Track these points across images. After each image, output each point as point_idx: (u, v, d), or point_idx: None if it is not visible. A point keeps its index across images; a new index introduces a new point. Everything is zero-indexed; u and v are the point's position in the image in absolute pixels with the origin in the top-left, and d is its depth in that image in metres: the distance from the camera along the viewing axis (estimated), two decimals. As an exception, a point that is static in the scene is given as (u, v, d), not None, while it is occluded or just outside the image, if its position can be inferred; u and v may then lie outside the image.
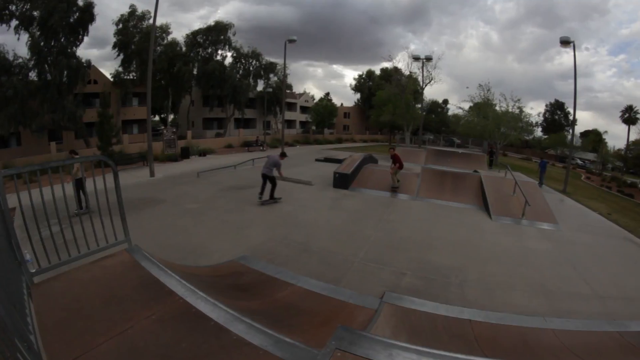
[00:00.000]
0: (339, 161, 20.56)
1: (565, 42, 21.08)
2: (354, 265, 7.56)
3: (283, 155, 13.36)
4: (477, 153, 29.20)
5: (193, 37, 46.72)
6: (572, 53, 21.21)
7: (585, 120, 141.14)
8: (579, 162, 51.36)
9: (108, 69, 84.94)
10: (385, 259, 7.93)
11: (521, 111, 35.65)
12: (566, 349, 4.61)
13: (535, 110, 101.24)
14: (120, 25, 40.82)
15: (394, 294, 5.95)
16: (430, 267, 7.60)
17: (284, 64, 35.13)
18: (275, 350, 2.93)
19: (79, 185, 10.08)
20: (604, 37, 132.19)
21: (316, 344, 3.03)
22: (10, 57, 30.98)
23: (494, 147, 33.63)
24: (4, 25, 30.55)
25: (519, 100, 35.84)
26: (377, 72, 65.59)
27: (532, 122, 37.18)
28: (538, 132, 54.51)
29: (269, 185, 12.72)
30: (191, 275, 4.82)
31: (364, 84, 67.62)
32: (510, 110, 35.69)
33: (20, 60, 31.44)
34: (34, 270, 4.16)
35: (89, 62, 35.58)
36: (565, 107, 65.49)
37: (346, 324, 2.92)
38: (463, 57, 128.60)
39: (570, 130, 30.98)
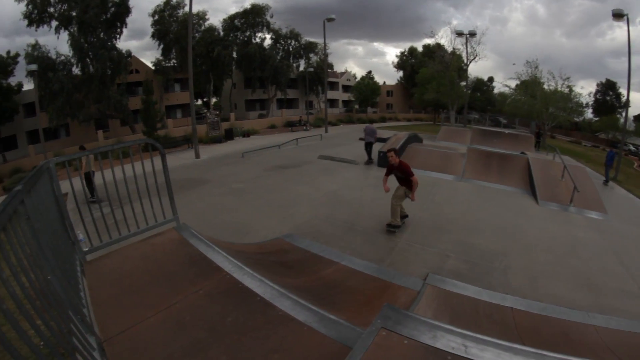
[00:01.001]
0: (383, 140, 20.37)
1: (618, 15, 19.69)
2: (397, 245, 7.49)
3: (372, 122, 15.43)
4: (525, 134, 28.11)
5: (230, 22, 47.10)
6: (626, 27, 19.94)
7: (639, 102, 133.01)
8: (632, 148, 48.36)
9: (148, 58, 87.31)
10: (429, 240, 7.82)
11: (571, 90, 33.82)
12: (607, 348, 4.41)
13: (585, 89, 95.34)
14: (156, 16, 41.87)
15: (437, 276, 5.88)
16: (474, 251, 7.42)
17: (324, 43, 35.22)
18: (320, 327, 2.95)
19: (88, 178, 10.47)
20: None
21: (360, 322, 3.04)
22: (53, 56, 32.65)
23: (541, 129, 32.35)
24: (45, 26, 32.46)
25: (568, 78, 33.95)
26: (420, 48, 63.79)
27: (582, 102, 35.05)
28: (588, 113, 51.63)
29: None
30: (238, 252, 4.91)
31: (406, 62, 65.85)
32: (559, 89, 33.96)
33: (63, 57, 33.10)
34: (86, 249, 4.38)
35: (129, 52, 36.79)
36: (618, 87, 61.48)
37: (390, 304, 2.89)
38: (508, 32, 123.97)
39: (623, 113, 29.44)
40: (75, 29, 32.29)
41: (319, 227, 8.35)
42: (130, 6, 34.65)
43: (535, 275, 6.62)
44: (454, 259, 6.97)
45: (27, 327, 1.73)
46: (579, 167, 15.85)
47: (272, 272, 4.52)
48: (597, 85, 65.06)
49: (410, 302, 4.65)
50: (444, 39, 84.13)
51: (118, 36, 35.07)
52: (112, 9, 33.61)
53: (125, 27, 35.24)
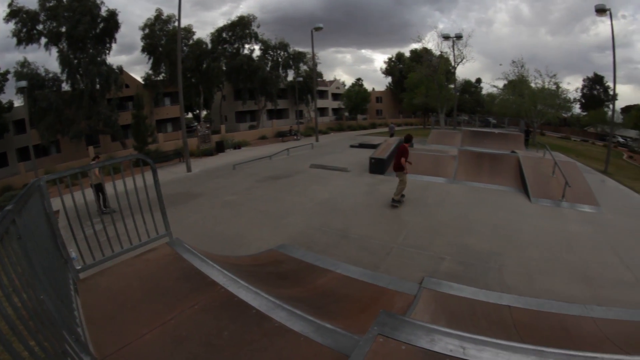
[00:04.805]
0: (373, 146, 20.42)
1: (600, 11, 19.95)
2: (392, 250, 7.51)
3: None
4: (514, 133, 28.30)
5: (218, 34, 47.30)
6: (609, 22, 20.19)
7: (626, 94, 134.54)
8: (621, 140, 49.00)
9: (138, 73, 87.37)
10: (423, 244, 7.83)
11: (558, 87, 34.31)
12: (606, 338, 4.43)
13: (572, 85, 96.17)
14: (147, 30, 41.91)
15: (432, 279, 5.88)
16: (469, 252, 7.45)
17: (312, 52, 35.49)
18: (316, 336, 2.95)
19: (99, 189, 10.41)
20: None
21: (357, 330, 3.03)
22: (42, 73, 32.93)
23: (530, 126, 32.62)
24: (34, 44, 32.69)
25: (554, 75, 34.47)
26: (407, 54, 64.16)
27: (569, 98, 35.68)
28: (576, 108, 52.17)
29: None
30: (232, 265, 4.90)
31: (395, 67, 66.20)
32: (546, 86, 34.42)
33: (52, 74, 33.32)
34: (79, 267, 4.35)
35: (120, 68, 36.88)
36: (605, 81, 62.20)
37: (386, 310, 2.90)
38: (493, 33, 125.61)
39: (611, 106, 29.75)
40: (65, 45, 32.36)
41: (313, 237, 8.35)
42: (120, 21, 34.81)
43: (531, 272, 6.66)
44: (449, 261, 7.00)
45: (20, 348, 1.72)
46: (570, 162, 16.01)
47: (267, 284, 4.51)
48: (584, 80, 66.06)
49: (407, 307, 4.65)
50: (431, 43, 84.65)
51: (107, 51, 35.14)
52: (101, 24, 33.69)
53: (115, 42, 35.37)
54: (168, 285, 3.95)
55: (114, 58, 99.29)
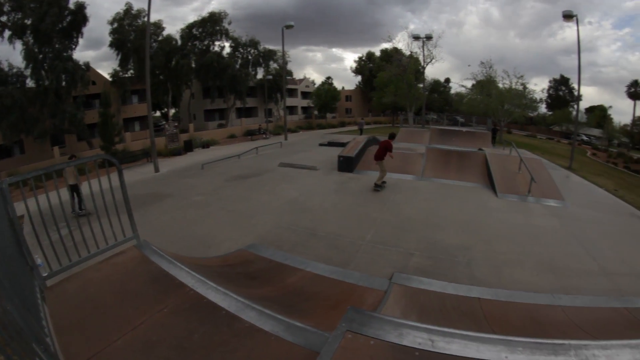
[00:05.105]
0: (342, 145, 20.50)
1: (568, 16, 20.61)
2: (362, 247, 7.59)
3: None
4: (482, 131, 28.88)
5: (189, 31, 46.41)
6: (575, 27, 20.93)
7: (590, 95, 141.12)
8: (584, 138, 50.66)
9: (105, 69, 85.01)
10: (392, 240, 7.95)
11: (525, 88, 35.24)
12: (574, 325, 4.61)
13: (539, 86, 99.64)
14: (116, 25, 40.49)
15: (402, 274, 5.98)
16: (437, 247, 7.62)
17: (283, 50, 35.31)
18: (286, 335, 2.98)
19: (75, 189, 10.09)
20: (608, 10, 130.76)
21: (327, 327, 3.07)
22: (6, 68, 31.04)
23: (497, 125, 33.40)
24: None
25: (522, 76, 35.35)
26: (377, 53, 64.84)
27: (536, 98, 36.68)
28: (542, 108, 54.29)
29: None
30: (201, 267, 4.86)
31: (365, 66, 66.63)
32: (513, 87, 35.30)
33: (16, 69, 31.47)
34: (46, 274, 4.20)
35: (87, 64, 35.38)
36: (570, 83, 65.01)
37: (356, 306, 2.95)
38: (464, 35, 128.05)
39: (575, 106, 30.69)
40: (30, 38, 30.79)
41: (282, 236, 8.37)
42: (88, 15, 33.38)
43: (499, 265, 6.87)
44: (418, 256, 7.14)
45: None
46: (535, 159, 16.47)
47: (236, 284, 4.50)
48: (550, 81, 69.09)
49: (378, 302, 4.71)
50: (402, 43, 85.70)
51: (74, 46, 33.63)
52: (69, 17, 32.24)
53: (82, 37, 33.95)
54: (137, 289, 3.89)
55: (81, 53, 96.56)
